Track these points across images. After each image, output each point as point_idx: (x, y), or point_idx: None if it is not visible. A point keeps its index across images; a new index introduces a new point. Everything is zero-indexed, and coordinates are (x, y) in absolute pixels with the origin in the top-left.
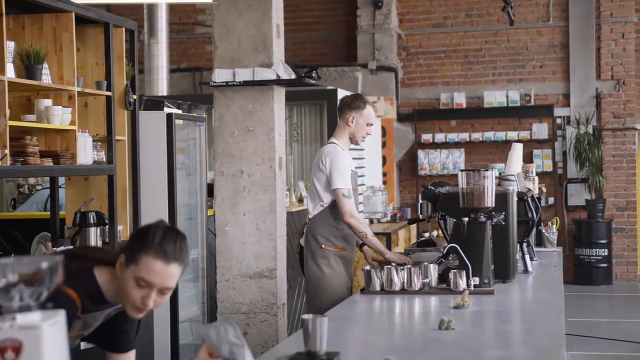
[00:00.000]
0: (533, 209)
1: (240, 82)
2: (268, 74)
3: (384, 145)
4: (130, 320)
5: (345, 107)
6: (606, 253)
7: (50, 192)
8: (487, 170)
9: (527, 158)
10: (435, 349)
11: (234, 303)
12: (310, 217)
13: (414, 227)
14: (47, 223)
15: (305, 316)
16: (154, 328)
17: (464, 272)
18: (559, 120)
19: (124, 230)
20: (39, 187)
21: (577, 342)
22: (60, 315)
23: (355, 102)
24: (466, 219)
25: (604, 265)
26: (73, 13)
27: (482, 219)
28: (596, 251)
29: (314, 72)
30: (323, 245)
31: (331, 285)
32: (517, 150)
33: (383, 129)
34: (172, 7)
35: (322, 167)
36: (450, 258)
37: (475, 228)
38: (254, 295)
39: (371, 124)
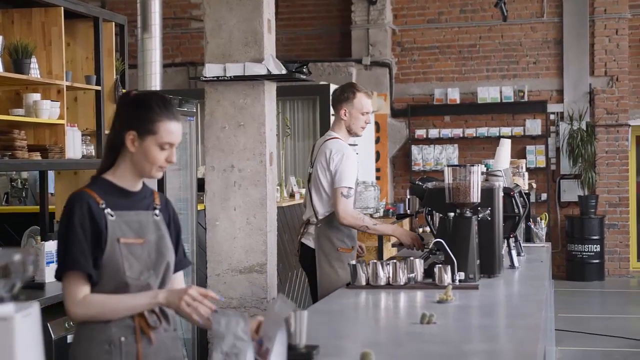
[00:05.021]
0: (520, 205)
1: (231, 77)
2: (259, 69)
3: (377, 140)
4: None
5: (335, 101)
6: (598, 249)
7: (39, 187)
8: (473, 165)
9: (521, 154)
10: (414, 343)
11: (225, 297)
12: (319, 217)
13: (407, 222)
14: (38, 216)
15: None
16: None
17: (449, 267)
18: (552, 116)
19: None
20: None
21: (568, 338)
22: (34, 307)
23: (344, 93)
24: (452, 214)
25: (597, 261)
26: (62, 7)
27: (468, 214)
28: (589, 247)
29: (305, 67)
30: (339, 249)
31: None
32: (505, 146)
33: (377, 125)
34: (166, 2)
35: (331, 165)
36: (437, 253)
37: (461, 223)
38: (245, 290)
39: (366, 112)
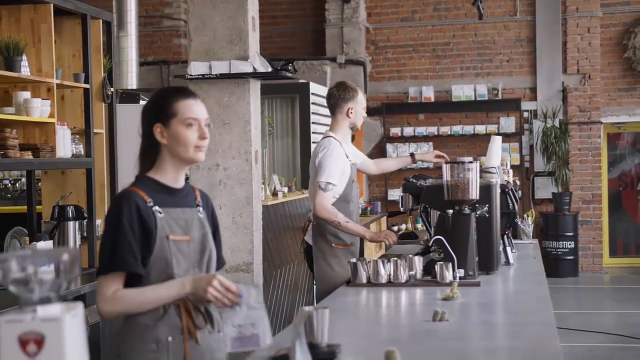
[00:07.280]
0: (514, 201)
1: (216, 74)
2: (245, 67)
3: (352, 139)
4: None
5: (340, 101)
6: (572, 245)
7: (27, 186)
8: (472, 162)
9: None
10: (433, 340)
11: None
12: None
13: (384, 220)
14: (22, 217)
15: (306, 308)
16: None
17: (450, 264)
18: (526, 114)
19: (102, 224)
20: (6, 181)
21: None
22: (79, 307)
23: (348, 92)
24: (451, 211)
25: (571, 257)
26: (51, 4)
27: (467, 211)
28: (563, 244)
29: (290, 65)
30: (333, 244)
31: (343, 282)
32: (497, 143)
33: None
34: (139, 0)
35: (316, 161)
36: (432, 250)
37: (460, 220)
38: None
39: (364, 107)
